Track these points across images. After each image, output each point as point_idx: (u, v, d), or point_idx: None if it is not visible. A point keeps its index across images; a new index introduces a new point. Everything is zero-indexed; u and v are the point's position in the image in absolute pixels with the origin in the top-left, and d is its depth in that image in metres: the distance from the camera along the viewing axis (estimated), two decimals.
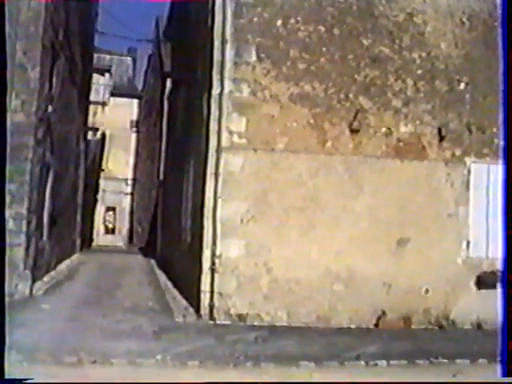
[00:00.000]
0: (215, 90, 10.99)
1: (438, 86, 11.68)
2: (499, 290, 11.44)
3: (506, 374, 5.87)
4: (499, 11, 12.17)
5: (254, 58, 11.03)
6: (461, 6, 12.05)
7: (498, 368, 8.57)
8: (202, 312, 10.62)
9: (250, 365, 7.96)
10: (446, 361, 8.73)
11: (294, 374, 7.68)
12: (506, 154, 6.88)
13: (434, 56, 11.78)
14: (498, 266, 11.59)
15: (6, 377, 5.60)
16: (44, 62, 12.75)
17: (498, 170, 11.86)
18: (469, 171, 11.71)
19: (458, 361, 8.72)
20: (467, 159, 11.71)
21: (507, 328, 6.09)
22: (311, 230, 10.82)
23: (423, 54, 11.72)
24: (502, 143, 10.88)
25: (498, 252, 11.66)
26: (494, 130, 11.87)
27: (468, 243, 11.58)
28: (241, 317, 10.50)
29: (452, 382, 6.96)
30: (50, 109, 13.85)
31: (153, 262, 22.34)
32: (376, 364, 8.36)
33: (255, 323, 10.46)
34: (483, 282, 11.54)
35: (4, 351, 5.65)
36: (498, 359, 8.83)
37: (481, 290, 11.54)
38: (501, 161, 11.84)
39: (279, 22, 11.16)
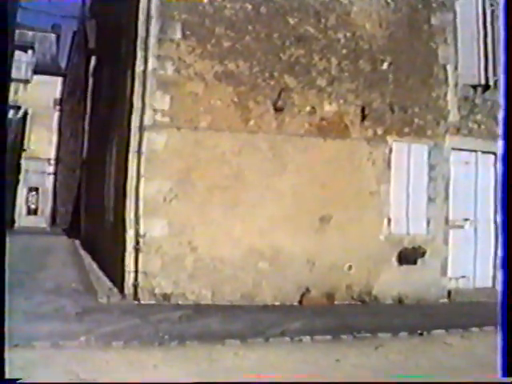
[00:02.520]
0: (139, 67, 10.76)
1: (362, 65, 11.80)
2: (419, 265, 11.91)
3: (506, 373, 5.94)
4: None
5: (179, 35, 10.84)
6: None
7: (418, 340, 8.93)
8: (127, 292, 10.48)
9: (175, 344, 7.93)
10: (368, 335, 8.91)
11: (219, 352, 7.68)
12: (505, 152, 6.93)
13: (358, 36, 11.87)
14: (418, 242, 11.97)
15: None
16: None
17: (418, 149, 12.23)
18: (390, 150, 11.93)
19: (380, 335, 8.93)
20: (389, 138, 11.91)
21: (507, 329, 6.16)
22: (235, 209, 10.81)
23: (348, 34, 11.79)
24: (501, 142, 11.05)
25: (417, 228, 12.08)
26: (416, 109, 12.15)
27: (389, 220, 11.84)
28: (165, 296, 10.43)
29: (453, 382, 7.06)
30: None
31: (77, 242, 21.91)
32: (301, 340, 8.46)
33: (180, 302, 10.40)
34: (404, 257, 11.84)
35: (4, 351, 5.49)
36: (419, 332, 9.19)
37: (402, 266, 11.84)
38: (425, 140, 12.27)
39: None
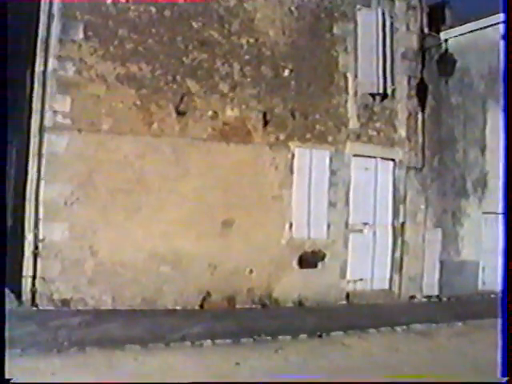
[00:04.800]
0: (39, 68, 10.49)
1: (264, 71, 11.97)
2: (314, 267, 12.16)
3: (505, 373, 6.02)
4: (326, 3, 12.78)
5: (80, 35, 10.60)
6: None
7: (318, 342, 9.11)
8: (24, 298, 10.19)
9: (74, 350, 7.80)
10: (268, 338, 9.04)
11: (119, 358, 7.63)
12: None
13: (261, 42, 12.03)
14: (319, 245, 12.22)
15: None
16: None
17: (320, 155, 12.49)
18: (292, 155, 12.16)
19: (280, 337, 9.09)
20: (291, 143, 12.14)
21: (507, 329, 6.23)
22: (137, 212, 10.71)
23: (251, 40, 11.93)
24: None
25: (318, 233, 12.33)
26: (317, 116, 12.44)
27: (291, 224, 12.05)
28: (64, 302, 10.21)
29: (454, 382, 7.12)
30: None
31: None
32: (201, 344, 8.53)
33: (79, 308, 10.21)
34: (305, 261, 12.07)
35: (4, 351, 5.24)
36: (318, 333, 9.37)
37: (302, 269, 12.07)
38: (327, 146, 12.57)
39: (109, 0, 10.83)
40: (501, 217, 15.12)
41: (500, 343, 6.21)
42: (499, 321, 6.36)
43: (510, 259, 6.43)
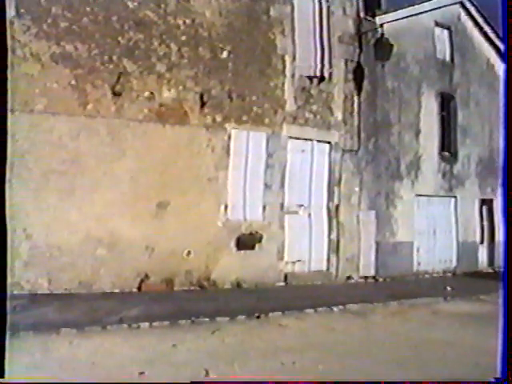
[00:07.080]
0: None
1: (202, 52, 11.91)
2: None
3: (505, 374, 5.99)
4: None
5: (12, 12, 10.27)
6: None
7: (255, 323, 9.15)
8: None
9: (8, 335, 7.62)
10: (206, 319, 9.02)
11: (54, 342, 7.49)
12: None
13: (198, 23, 11.94)
14: (255, 227, 12.28)
15: None
16: None
17: (256, 137, 12.52)
18: (229, 137, 12.15)
19: (217, 319, 9.09)
20: (227, 125, 12.13)
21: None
22: (72, 194, 10.52)
23: (188, 21, 11.82)
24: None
25: (254, 214, 12.38)
26: (254, 98, 12.44)
27: (226, 206, 12.06)
28: None
29: (454, 382, 7.06)
30: None
31: None
32: (138, 326, 8.44)
33: (15, 292, 9.94)
34: (242, 243, 12.12)
35: (4, 351, 5.02)
36: (256, 315, 9.42)
37: (240, 251, 12.12)
38: (263, 128, 12.60)
39: None
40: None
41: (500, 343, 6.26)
42: (499, 321, 6.47)
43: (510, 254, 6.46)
